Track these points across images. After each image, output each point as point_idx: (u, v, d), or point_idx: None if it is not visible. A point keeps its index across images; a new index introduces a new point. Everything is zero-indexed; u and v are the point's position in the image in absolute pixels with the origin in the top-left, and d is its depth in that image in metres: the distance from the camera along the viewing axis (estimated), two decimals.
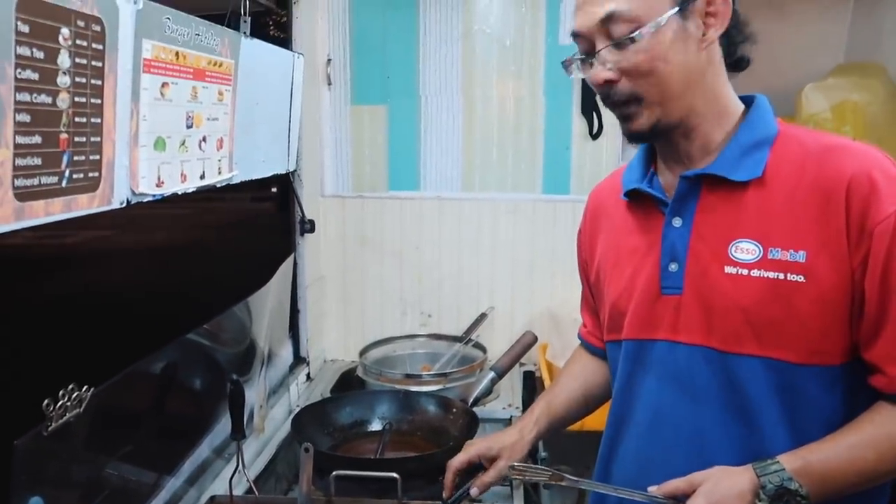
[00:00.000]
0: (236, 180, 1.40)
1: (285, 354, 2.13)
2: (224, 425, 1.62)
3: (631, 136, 1.05)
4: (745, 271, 0.99)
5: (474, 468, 1.31)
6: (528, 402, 2.11)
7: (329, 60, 2.34)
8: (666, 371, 1.06)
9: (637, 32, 0.95)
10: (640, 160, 1.15)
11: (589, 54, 1.01)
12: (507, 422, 1.92)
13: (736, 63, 1.06)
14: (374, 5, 2.33)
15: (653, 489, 0.99)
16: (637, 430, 1.11)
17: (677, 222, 1.05)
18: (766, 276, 0.97)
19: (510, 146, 2.39)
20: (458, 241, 2.42)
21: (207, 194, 1.32)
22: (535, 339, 2.03)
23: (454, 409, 1.82)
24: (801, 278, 0.95)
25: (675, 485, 0.97)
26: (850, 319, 0.96)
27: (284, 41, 2.06)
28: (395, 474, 1.38)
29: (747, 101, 1.08)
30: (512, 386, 2.19)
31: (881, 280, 0.93)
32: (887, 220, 0.92)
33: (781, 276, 0.96)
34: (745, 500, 0.91)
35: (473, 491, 1.28)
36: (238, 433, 1.36)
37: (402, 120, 2.38)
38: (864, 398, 0.97)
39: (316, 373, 2.33)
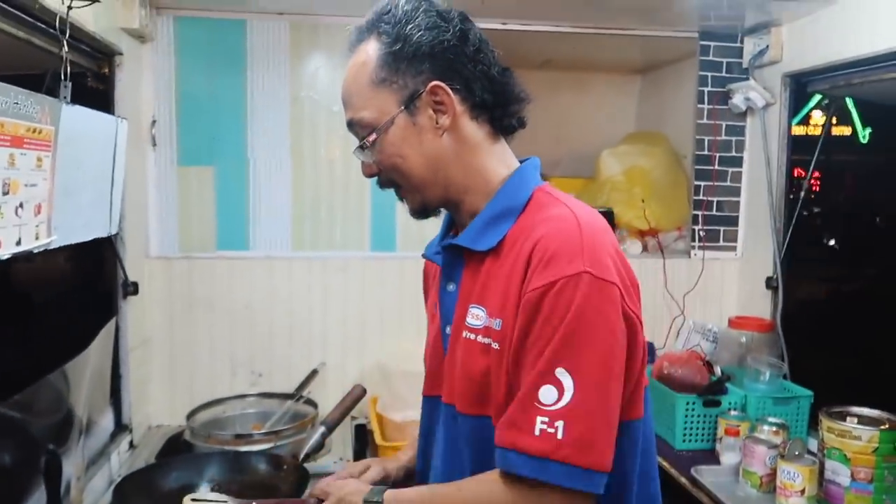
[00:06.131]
0: (55, 245, 1.38)
1: (106, 423, 2.05)
2: (38, 501, 1.54)
3: (411, 214, 1.15)
4: (472, 336, 1.04)
5: None
6: (359, 454, 2.16)
7: (154, 122, 2.33)
8: (444, 424, 1.13)
9: (368, 138, 1.07)
10: (444, 222, 1.22)
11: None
12: None
13: (505, 129, 1.12)
14: (200, 68, 2.36)
15: None
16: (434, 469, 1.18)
17: (451, 287, 1.12)
18: (482, 341, 1.03)
19: (339, 206, 2.48)
20: (288, 299, 2.46)
21: (26, 257, 1.29)
22: (364, 392, 2.08)
23: (285, 466, 1.83)
24: (496, 345, 1.01)
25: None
26: None
27: (108, 101, 2.04)
28: None
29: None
30: (344, 439, 2.23)
31: (516, 350, 0.97)
32: (533, 292, 0.95)
33: (489, 341, 1.02)
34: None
35: None
36: None
37: (229, 181, 2.41)
38: None
39: (140, 440, 2.25)
